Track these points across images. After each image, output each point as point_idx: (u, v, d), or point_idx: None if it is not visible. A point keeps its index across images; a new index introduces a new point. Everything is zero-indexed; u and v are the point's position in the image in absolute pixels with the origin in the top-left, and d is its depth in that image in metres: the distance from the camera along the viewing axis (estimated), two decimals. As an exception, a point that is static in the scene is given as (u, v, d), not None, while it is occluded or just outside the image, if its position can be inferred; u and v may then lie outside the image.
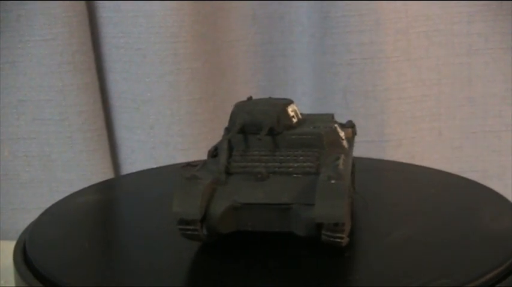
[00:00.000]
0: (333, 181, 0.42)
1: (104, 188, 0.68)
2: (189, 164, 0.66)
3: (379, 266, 0.44)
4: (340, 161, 0.45)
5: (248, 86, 0.92)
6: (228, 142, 0.48)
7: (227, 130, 0.49)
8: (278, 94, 0.86)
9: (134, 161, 0.90)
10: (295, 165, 0.46)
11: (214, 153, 0.49)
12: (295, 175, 0.46)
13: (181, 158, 0.84)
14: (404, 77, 0.84)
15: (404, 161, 0.83)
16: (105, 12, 0.86)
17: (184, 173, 0.44)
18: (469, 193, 0.60)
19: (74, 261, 0.47)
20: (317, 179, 0.43)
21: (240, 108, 0.48)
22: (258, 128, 0.47)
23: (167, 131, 0.86)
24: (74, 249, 0.49)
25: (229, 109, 0.87)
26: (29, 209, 0.87)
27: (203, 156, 0.84)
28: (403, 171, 0.68)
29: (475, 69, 0.86)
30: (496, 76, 0.85)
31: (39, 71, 0.83)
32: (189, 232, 0.44)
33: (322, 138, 0.47)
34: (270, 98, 0.52)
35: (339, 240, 0.42)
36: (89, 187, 0.67)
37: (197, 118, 0.86)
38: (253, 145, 0.47)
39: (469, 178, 0.64)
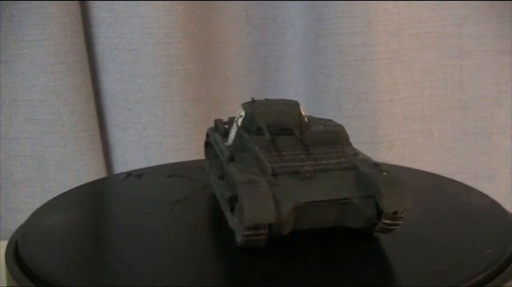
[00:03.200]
0: (385, 173, 0.45)
1: (95, 187, 0.68)
2: (129, 174, 0.66)
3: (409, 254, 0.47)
4: (362, 155, 0.48)
5: (241, 87, 0.92)
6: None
7: (247, 131, 0.49)
8: (271, 95, 0.86)
9: (127, 161, 0.90)
10: (333, 161, 0.47)
11: (231, 157, 0.49)
12: (334, 171, 0.47)
13: (174, 159, 0.85)
14: (396, 78, 0.85)
15: (396, 162, 0.84)
16: (99, 12, 0.86)
17: (239, 177, 0.44)
18: (458, 195, 0.60)
19: (65, 260, 0.47)
20: (361, 173, 0.46)
21: (260, 110, 0.49)
22: (280, 129, 0.48)
23: (160, 131, 0.86)
24: (66, 248, 0.49)
25: (222, 110, 0.89)
26: (21, 209, 0.87)
27: (195, 156, 0.85)
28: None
29: (467, 72, 0.86)
30: (487, 78, 0.86)
31: (32, 71, 0.83)
32: (256, 237, 0.43)
33: (340, 135, 0.49)
34: (266, 99, 0.53)
35: (396, 227, 0.45)
36: (81, 186, 0.67)
37: (190, 119, 0.86)
38: (280, 145, 0.48)
39: (460, 179, 0.65)
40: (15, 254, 0.49)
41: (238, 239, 0.45)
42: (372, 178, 0.44)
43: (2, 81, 0.84)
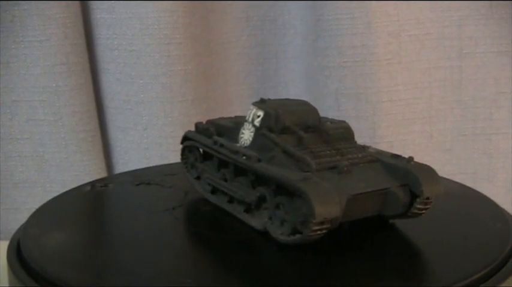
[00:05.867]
0: (412, 163, 0.48)
1: (96, 186, 0.68)
2: (93, 185, 0.66)
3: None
4: (373, 148, 0.51)
5: (241, 88, 0.92)
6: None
7: (271, 131, 0.50)
8: (271, 96, 0.86)
9: (127, 161, 0.90)
10: (359, 155, 0.49)
11: (259, 157, 0.49)
12: (363, 164, 0.49)
13: (174, 159, 0.85)
14: (395, 79, 0.85)
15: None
16: (99, 13, 0.86)
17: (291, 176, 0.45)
18: (458, 196, 0.61)
19: (67, 259, 0.47)
20: (388, 164, 0.48)
21: (283, 110, 0.50)
22: (304, 127, 0.50)
23: (160, 132, 0.87)
24: (68, 247, 0.49)
25: (222, 111, 0.89)
26: (22, 210, 0.87)
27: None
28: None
29: (466, 73, 0.86)
30: (487, 79, 0.86)
31: (33, 72, 0.83)
32: (319, 232, 0.44)
33: (351, 131, 0.52)
34: (269, 99, 0.54)
35: (425, 211, 0.48)
36: (81, 185, 0.67)
37: (190, 120, 0.86)
38: (307, 142, 0.49)
39: (459, 180, 0.65)
40: (17, 253, 0.49)
41: (283, 237, 0.46)
42: (403, 168, 0.47)
43: (3, 82, 0.84)
